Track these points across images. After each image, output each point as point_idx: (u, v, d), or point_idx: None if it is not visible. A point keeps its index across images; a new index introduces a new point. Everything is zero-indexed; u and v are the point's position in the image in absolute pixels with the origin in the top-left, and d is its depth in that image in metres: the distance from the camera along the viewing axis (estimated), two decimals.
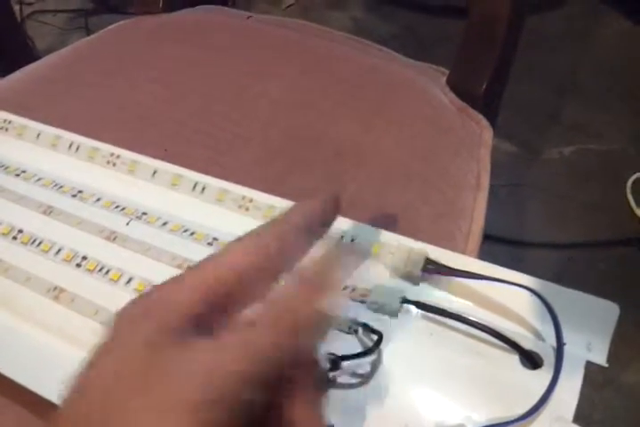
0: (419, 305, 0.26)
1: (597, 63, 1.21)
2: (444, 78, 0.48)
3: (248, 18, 0.59)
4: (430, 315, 0.26)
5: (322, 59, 0.48)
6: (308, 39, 0.53)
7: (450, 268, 0.28)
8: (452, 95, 0.45)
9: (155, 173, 0.36)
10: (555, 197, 0.99)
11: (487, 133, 0.42)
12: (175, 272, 0.29)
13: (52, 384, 0.25)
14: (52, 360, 0.27)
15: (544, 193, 0.99)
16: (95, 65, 0.50)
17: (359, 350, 0.25)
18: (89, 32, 1.26)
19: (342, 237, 0.30)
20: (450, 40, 1.13)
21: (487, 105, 0.44)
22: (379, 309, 0.26)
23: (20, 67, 0.53)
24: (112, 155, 0.37)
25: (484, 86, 0.44)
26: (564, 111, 1.13)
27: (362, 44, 0.55)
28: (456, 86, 0.46)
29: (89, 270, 0.30)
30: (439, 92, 0.46)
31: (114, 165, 0.37)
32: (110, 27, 0.58)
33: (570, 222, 0.95)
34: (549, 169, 1.03)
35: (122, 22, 0.57)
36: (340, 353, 0.24)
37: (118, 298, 0.29)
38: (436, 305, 0.26)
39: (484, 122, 0.43)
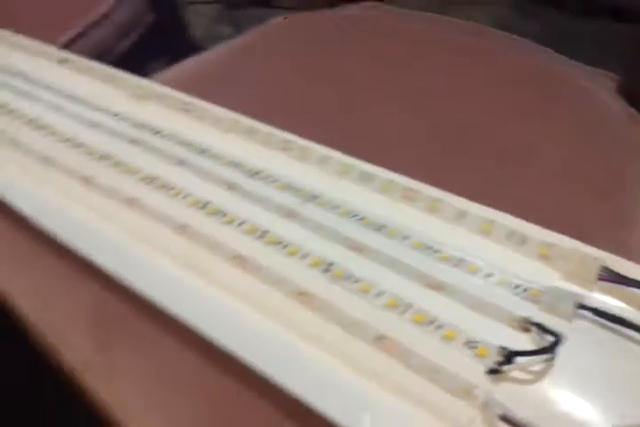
0: (597, 312, 0.26)
1: None
2: (610, 83, 0.47)
3: (405, 15, 0.60)
4: (606, 323, 0.26)
5: (485, 56, 0.48)
6: (471, 38, 0.53)
7: (627, 277, 0.27)
8: (623, 102, 0.44)
9: (325, 159, 0.38)
10: None
11: None
12: (347, 252, 0.31)
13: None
14: (236, 319, 0.30)
15: None
16: (266, 57, 0.54)
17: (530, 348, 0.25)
18: (237, 25, 1.32)
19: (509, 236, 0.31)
20: (606, 43, 1.07)
21: None
22: (552, 311, 0.27)
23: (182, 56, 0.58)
24: (286, 141, 0.40)
25: None
26: None
27: (521, 42, 0.54)
28: (628, 93, 0.44)
29: (271, 243, 0.33)
30: (607, 96, 0.45)
31: (287, 150, 0.40)
32: (274, 21, 0.61)
33: None
34: None
35: (286, 17, 0.61)
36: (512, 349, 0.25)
37: (295, 270, 0.31)
38: (616, 314, 0.26)
39: None
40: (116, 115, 0.46)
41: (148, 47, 0.80)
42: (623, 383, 0.25)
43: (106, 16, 0.73)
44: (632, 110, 0.43)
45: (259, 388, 0.29)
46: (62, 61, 0.54)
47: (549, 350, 0.25)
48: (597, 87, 0.46)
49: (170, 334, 0.32)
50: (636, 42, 0.46)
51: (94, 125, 0.45)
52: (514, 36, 0.56)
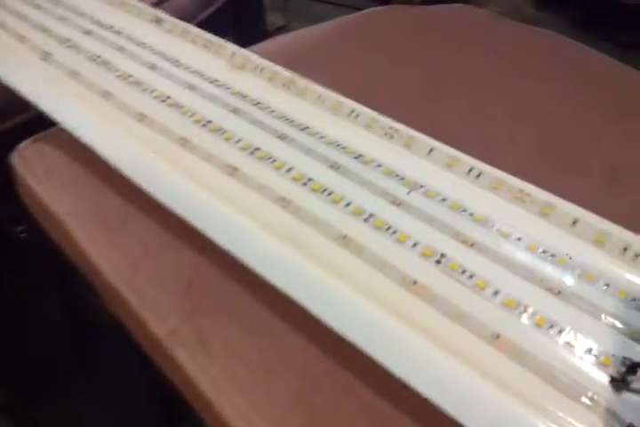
0: None
1: None
2: None
3: (499, 20, 0.60)
4: None
5: (590, 71, 0.48)
6: (567, 46, 0.52)
7: None
8: None
9: (431, 150, 0.38)
10: None
11: None
12: (461, 246, 0.31)
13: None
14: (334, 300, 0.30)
15: None
16: (361, 42, 0.53)
17: None
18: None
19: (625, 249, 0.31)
20: None
21: None
22: None
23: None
24: (390, 128, 0.40)
25: None
26: None
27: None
28: None
29: (376, 227, 0.33)
30: None
31: (391, 137, 0.39)
32: (369, 10, 0.61)
33: None
34: None
35: (383, 8, 0.60)
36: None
37: (403, 258, 0.31)
38: None
39: None
40: (212, 81, 0.46)
41: (224, 21, 0.80)
42: None
43: None
44: None
45: (357, 367, 0.29)
46: (158, 21, 0.54)
47: None
48: None
49: (265, 307, 0.32)
50: None
51: (191, 88, 0.45)
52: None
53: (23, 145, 0.46)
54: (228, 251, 0.32)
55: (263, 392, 0.29)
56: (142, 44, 0.51)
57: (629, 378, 0.25)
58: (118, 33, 0.53)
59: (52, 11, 0.57)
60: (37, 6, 0.57)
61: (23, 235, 0.69)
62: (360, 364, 0.28)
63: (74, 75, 0.48)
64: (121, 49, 0.51)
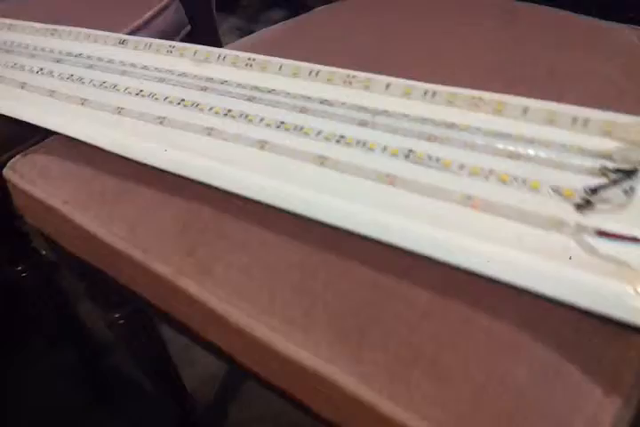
0: None
1: None
2: None
3: None
4: None
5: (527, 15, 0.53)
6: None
7: None
8: None
9: (388, 85, 0.41)
10: None
11: None
12: (424, 142, 0.33)
13: None
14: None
15: None
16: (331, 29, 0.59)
17: None
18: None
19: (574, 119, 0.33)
20: None
21: None
22: (624, 161, 0.29)
23: None
24: (348, 75, 0.44)
25: None
26: None
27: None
28: None
29: (347, 144, 0.35)
30: None
31: (350, 83, 0.43)
32: (322, 7, 0.66)
33: None
34: None
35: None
36: None
37: (375, 159, 0.34)
38: None
39: None
40: (180, 74, 0.50)
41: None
42: None
43: (148, 22, 0.78)
44: None
45: (351, 253, 0.31)
46: (123, 42, 0.59)
47: (629, 177, 0.27)
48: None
49: (255, 226, 0.34)
50: None
51: (161, 80, 0.49)
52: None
53: (14, 159, 0.49)
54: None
55: (266, 295, 0.31)
56: (111, 61, 0.55)
57: (592, 199, 0.27)
58: (88, 57, 0.57)
59: (21, 51, 0.61)
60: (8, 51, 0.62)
61: (24, 274, 0.70)
62: (354, 251, 0.30)
63: (51, 93, 0.51)
64: (91, 66, 0.55)
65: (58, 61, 0.58)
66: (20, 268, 0.69)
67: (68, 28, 0.65)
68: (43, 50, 0.62)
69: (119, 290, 0.53)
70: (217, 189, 0.37)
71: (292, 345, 0.29)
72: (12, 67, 0.59)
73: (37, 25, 0.67)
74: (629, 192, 0.27)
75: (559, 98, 0.35)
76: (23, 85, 0.54)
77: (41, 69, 0.57)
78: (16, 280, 0.70)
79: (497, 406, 0.24)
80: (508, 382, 0.25)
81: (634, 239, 0.25)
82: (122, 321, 0.60)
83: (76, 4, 0.78)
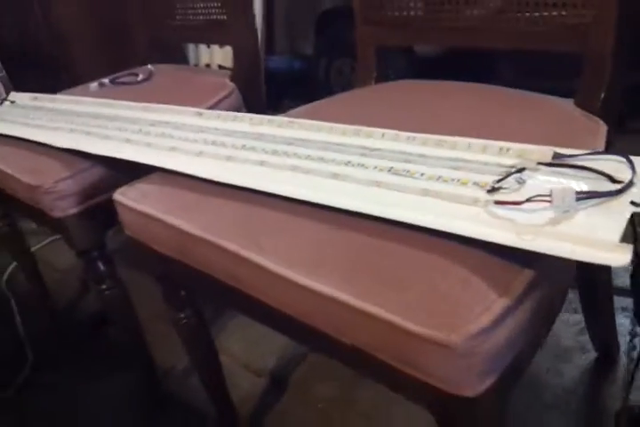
0: (549, 164, 0.46)
1: None
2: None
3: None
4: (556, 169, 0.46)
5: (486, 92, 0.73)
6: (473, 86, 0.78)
7: (570, 155, 0.48)
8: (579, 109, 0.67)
9: (386, 134, 0.61)
10: None
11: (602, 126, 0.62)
12: (401, 164, 0.52)
13: None
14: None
15: None
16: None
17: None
18: None
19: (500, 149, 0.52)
20: None
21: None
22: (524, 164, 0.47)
23: None
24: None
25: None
26: None
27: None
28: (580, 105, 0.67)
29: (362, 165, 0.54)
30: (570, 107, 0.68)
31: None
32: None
33: None
34: None
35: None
36: None
37: (366, 172, 0.52)
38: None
39: (599, 120, 0.63)
40: (240, 134, 0.71)
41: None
42: None
43: (213, 106, 1.01)
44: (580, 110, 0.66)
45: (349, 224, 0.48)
46: (200, 114, 0.81)
47: (520, 172, 0.44)
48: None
49: (293, 220, 0.52)
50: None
51: (228, 134, 0.69)
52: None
53: (121, 188, 0.69)
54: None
55: (299, 258, 0.48)
56: (190, 126, 0.77)
57: (497, 186, 0.44)
58: (174, 124, 0.79)
59: (124, 120, 0.84)
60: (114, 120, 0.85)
61: (107, 292, 0.88)
62: (356, 226, 0.48)
63: (149, 144, 0.73)
64: (177, 128, 0.76)
65: (152, 125, 0.80)
66: (104, 286, 0.87)
67: (156, 105, 0.88)
68: (139, 119, 0.84)
69: (188, 288, 0.71)
70: (265, 196, 0.55)
71: (314, 282, 0.46)
72: (117, 128, 0.81)
73: (133, 104, 0.92)
74: (520, 181, 0.45)
75: (497, 139, 0.54)
76: (128, 140, 0.76)
77: (140, 130, 0.79)
78: (100, 297, 0.88)
79: (433, 301, 0.41)
80: (439, 289, 0.41)
81: (518, 206, 0.42)
82: (185, 320, 0.76)
83: (164, 94, 1.02)
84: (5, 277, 1.48)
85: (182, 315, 0.76)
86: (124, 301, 0.91)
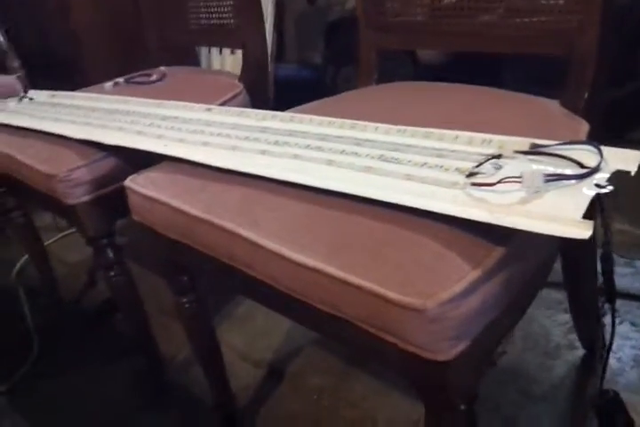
0: (525, 153, 0.50)
1: None
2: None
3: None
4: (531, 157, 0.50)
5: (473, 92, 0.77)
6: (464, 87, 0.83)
7: (547, 145, 0.51)
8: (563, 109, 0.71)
9: (376, 129, 0.65)
10: None
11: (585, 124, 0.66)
12: (391, 153, 0.56)
13: None
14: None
15: None
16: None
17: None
18: None
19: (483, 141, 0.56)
20: None
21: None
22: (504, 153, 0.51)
23: None
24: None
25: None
26: None
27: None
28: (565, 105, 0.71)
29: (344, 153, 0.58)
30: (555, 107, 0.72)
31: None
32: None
33: None
34: None
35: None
36: None
37: (363, 161, 0.56)
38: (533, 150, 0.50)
39: (582, 120, 0.67)
40: (246, 128, 0.75)
41: None
42: None
43: (223, 104, 1.06)
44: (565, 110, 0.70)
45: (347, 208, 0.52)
46: (209, 110, 0.85)
47: (497, 159, 0.48)
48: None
49: (286, 202, 0.56)
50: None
51: (234, 127, 0.74)
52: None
53: (131, 176, 0.73)
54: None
55: (291, 234, 0.52)
56: (199, 120, 0.82)
57: (474, 171, 0.48)
58: (182, 119, 0.84)
59: (139, 114, 0.89)
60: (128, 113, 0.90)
61: (115, 279, 0.93)
62: (344, 206, 0.52)
63: (160, 136, 0.77)
64: (185, 122, 0.81)
65: (163, 119, 0.84)
66: (112, 273, 0.92)
67: (170, 102, 0.93)
68: (150, 114, 0.89)
69: (191, 272, 0.75)
70: (265, 182, 0.59)
71: (302, 256, 0.50)
72: (130, 122, 0.86)
73: (148, 101, 0.96)
74: (497, 167, 0.48)
75: (482, 133, 0.58)
76: (139, 132, 0.81)
77: (151, 123, 0.83)
78: (108, 284, 0.93)
79: (410, 272, 0.44)
80: (417, 262, 0.45)
81: (492, 187, 0.46)
82: (187, 305, 0.80)
83: (176, 93, 1.07)
84: (17, 269, 1.53)
85: (185, 299, 0.80)
86: (131, 287, 0.95)
